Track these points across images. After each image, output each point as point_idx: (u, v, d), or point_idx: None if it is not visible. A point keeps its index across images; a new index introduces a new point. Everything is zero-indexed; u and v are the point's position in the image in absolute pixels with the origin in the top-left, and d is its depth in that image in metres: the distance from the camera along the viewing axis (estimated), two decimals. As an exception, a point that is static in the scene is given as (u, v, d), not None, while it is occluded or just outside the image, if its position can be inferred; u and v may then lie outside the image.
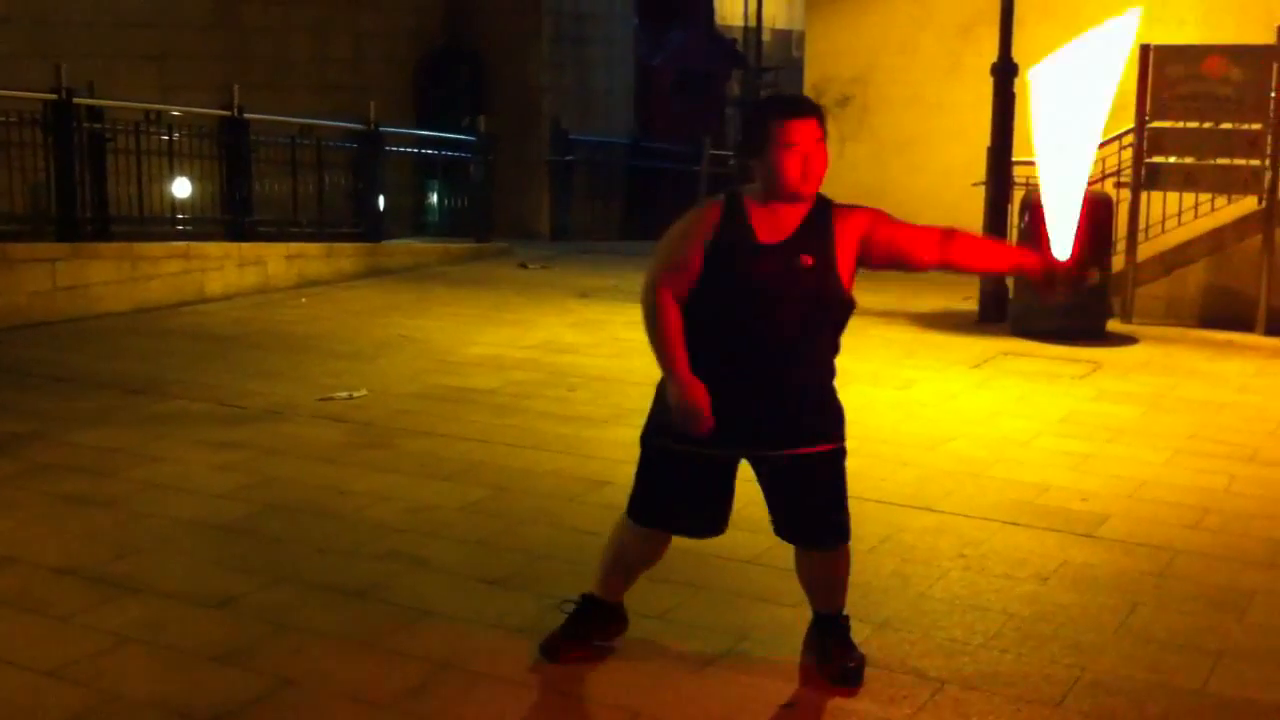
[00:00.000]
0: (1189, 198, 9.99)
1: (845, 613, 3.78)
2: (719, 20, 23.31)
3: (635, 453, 3.71)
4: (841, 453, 3.64)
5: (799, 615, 3.88)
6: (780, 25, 24.80)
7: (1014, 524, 5.13)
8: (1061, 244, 3.44)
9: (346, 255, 12.26)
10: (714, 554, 4.39)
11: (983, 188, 10.03)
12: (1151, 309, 10.15)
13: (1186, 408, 7.25)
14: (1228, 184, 9.73)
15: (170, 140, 11.22)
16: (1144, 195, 9.90)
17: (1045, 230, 3.46)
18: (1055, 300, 3.63)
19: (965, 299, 10.31)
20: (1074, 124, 3.43)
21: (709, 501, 3.66)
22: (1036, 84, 3.45)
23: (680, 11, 21.02)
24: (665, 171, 17.24)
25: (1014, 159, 9.90)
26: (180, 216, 11.68)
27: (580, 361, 8.27)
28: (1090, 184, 10.99)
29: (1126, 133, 10.01)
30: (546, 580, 4.41)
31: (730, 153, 16.26)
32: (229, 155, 11.54)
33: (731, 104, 21.70)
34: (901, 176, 10.77)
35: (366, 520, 5.11)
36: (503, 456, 6.03)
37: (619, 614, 3.87)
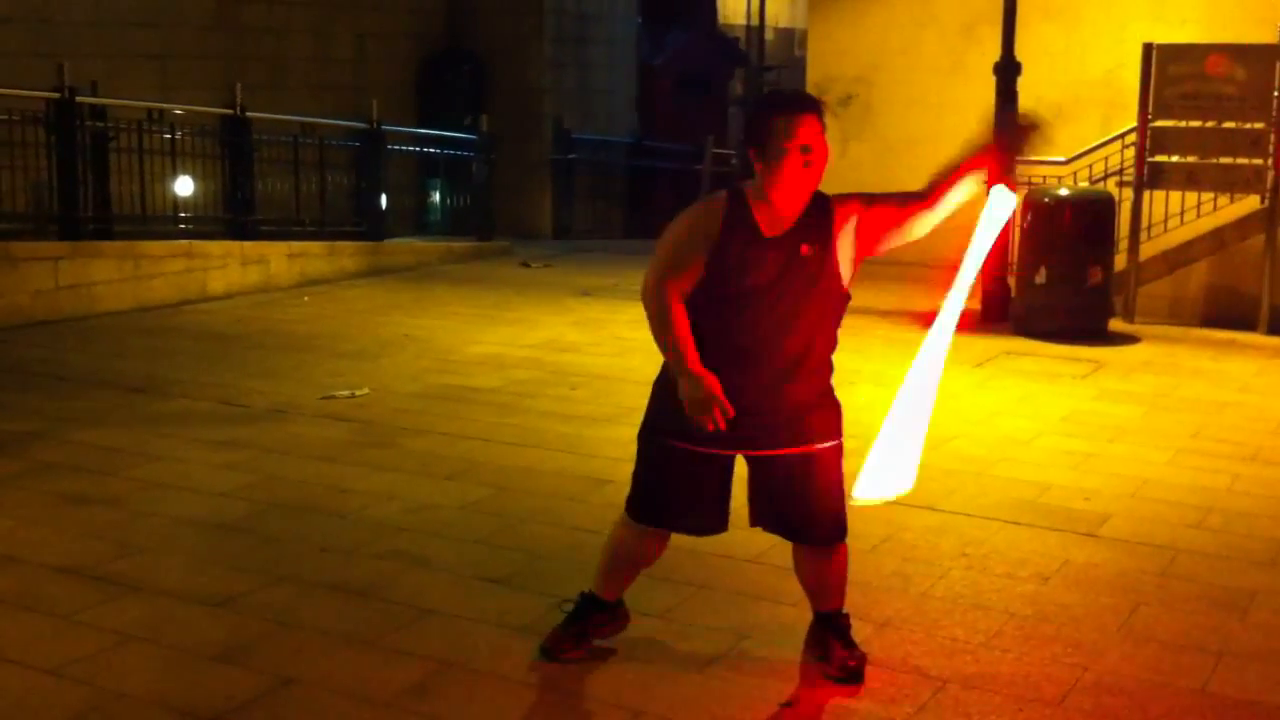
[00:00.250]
0: (1191, 197, 9.98)
1: (846, 611, 3.78)
2: (721, 20, 23.29)
3: (635, 451, 3.71)
4: (840, 450, 3.64)
5: (800, 614, 3.88)
6: (782, 24, 24.77)
7: (1016, 523, 5.13)
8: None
9: (348, 254, 12.26)
10: (715, 553, 4.39)
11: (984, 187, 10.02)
12: (1154, 308, 10.14)
13: (1189, 407, 7.25)
14: (1230, 183, 9.72)
15: (173, 139, 11.22)
16: (1146, 194, 9.89)
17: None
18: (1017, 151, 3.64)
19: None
20: None
21: (708, 499, 3.66)
22: None
23: (682, 11, 21.01)
24: (667, 171, 17.24)
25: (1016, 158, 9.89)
26: (182, 215, 11.68)
27: (582, 360, 8.27)
28: (1092, 183, 10.94)
29: (1129, 132, 10.01)
30: (548, 579, 4.41)
31: (732, 152, 16.26)
32: (231, 154, 11.54)
33: (734, 103, 21.68)
34: (905, 176, 10.64)
35: (368, 519, 5.11)
36: (504, 455, 6.03)
37: (619, 612, 3.87)
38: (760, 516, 3.70)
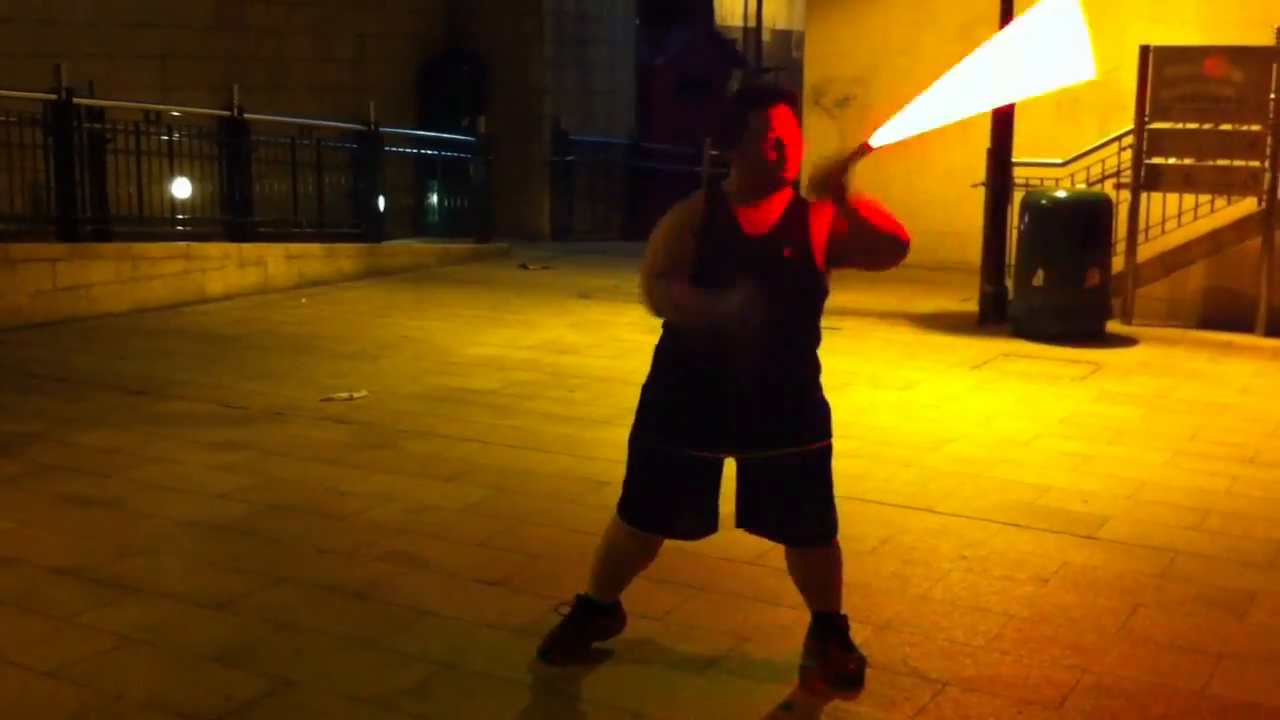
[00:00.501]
0: (1189, 199, 9.98)
1: (844, 614, 3.78)
2: (719, 21, 23.28)
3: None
4: (830, 450, 3.65)
5: (799, 617, 3.88)
6: (780, 25, 24.78)
7: (1014, 525, 5.13)
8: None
9: (347, 255, 12.26)
10: (714, 555, 4.40)
11: (983, 189, 10.04)
12: (1152, 310, 10.14)
13: (1187, 409, 7.25)
14: (1227, 185, 9.72)
15: (170, 140, 11.22)
16: (1144, 196, 9.89)
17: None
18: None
19: (965, 300, 10.31)
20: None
21: (698, 502, 3.66)
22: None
23: (681, 12, 21.00)
24: (666, 173, 17.24)
25: (1014, 160, 9.91)
26: (180, 217, 11.68)
27: (581, 362, 8.27)
28: (1090, 184, 10.93)
29: (1126, 134, 10.02)
30: (547, 581, 4.41)
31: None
32: (229, 155, 11.54)
33: (733, 105, 21.65)
34: (902, 178, 10.74)
35: (367, 521, 5.12)
36: (503, 457, 6.03)
37: (616, 614, 3.87)
38: (746, 518, 3.69)
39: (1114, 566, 4.71)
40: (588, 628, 3.84)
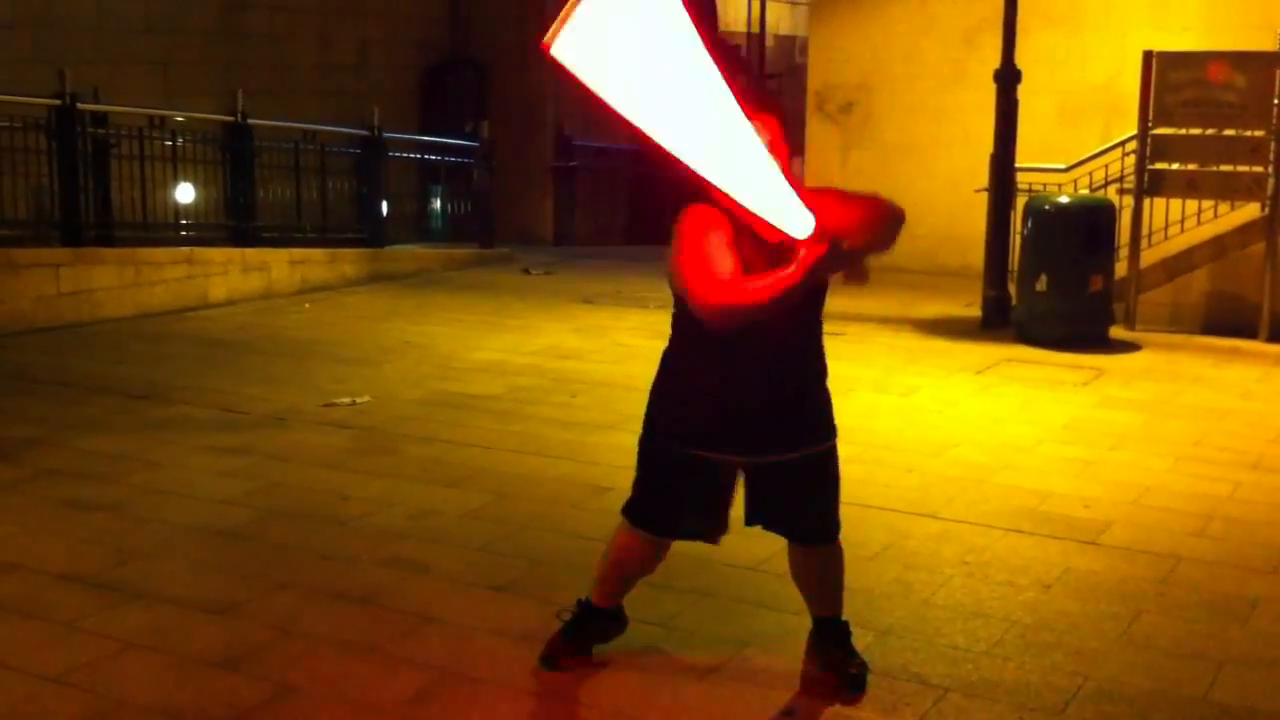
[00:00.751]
0: (1192, 204, 9.99)
1: (846, 619, 3.78)
2: (721, 26, 23.29)
3: (636, 458, 3.72)
4: (835, 449, 3.66)
5: (801, 622, 3.87)
6: (783, 31, 24.78)
7: (1017, 531, 5.13)
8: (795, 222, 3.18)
9: (349, 261, 12.27)
10: (717, 560, 4.39)
11: (986, 194, 10.04)
12: (1154, 315, 10.15)
13: (1190, 414, 7.25)
14: (1231, 190, 9.73)
15: (174, 146, 11.22)
16: (1147, 201, 9.90)
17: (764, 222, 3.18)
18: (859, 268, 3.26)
19: (968, 305, 10.31)
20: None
21: (710, 504, 3.65)
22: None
23: (684, 17, 21.01)
24: (668, 178, 17.25)
25: (1017, 165, 9.91)
26: (184, 222, 11.69)
27: (583, 367, 8.27)
28: (1093, 190, 10.93)
29: (1129, 139, 10.03)
30: (549, 586, 4.41)
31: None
32: (232, 161, 11.55)
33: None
34: (905, 183, 10.76)
35: (369, 526, 5.12)
36: (505, 463, 6.03)
37: (618, 619, 3.87)
38: (756, 515, 3.70)
39: (1116, 572, 4.71)
40: (590, 633, 3.84)
